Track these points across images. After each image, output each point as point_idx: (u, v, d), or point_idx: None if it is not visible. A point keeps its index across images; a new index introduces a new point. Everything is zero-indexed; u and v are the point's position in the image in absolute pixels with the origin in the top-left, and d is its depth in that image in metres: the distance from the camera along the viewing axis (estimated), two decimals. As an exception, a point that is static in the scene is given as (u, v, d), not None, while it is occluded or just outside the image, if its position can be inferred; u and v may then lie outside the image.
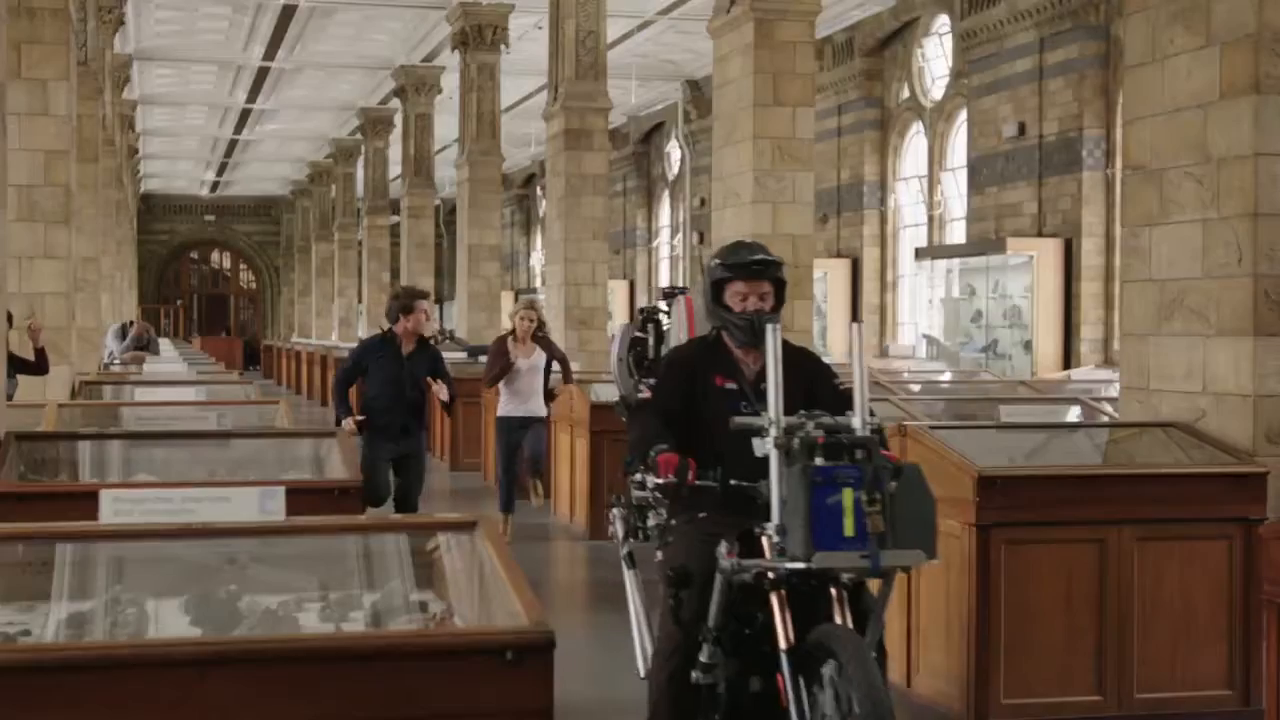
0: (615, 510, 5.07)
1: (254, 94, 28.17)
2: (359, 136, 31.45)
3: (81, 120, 14.09)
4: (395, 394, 8.19)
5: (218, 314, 50.17)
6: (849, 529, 3.65)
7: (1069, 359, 16.65)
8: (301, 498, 4.24)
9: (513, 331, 9.98)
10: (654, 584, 4.68)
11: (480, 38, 20.25)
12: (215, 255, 50.82)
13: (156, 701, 2.75)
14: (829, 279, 21.56)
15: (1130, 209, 6.52)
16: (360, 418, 8.17)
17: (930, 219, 20.87)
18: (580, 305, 16.09)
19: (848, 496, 3.66)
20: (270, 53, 24.18)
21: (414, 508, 8.27)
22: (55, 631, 3.26)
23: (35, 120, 10.53)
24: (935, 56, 20.78)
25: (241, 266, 50.71)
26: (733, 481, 4.11)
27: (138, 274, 38.89)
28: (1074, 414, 7.99)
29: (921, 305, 20.19)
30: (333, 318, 36.43)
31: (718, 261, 4.51)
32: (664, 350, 5.28)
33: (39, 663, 2.79)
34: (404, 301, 8.36)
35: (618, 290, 27.92)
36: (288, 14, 21.51)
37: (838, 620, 3.86)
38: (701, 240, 25.79)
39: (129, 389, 9.45)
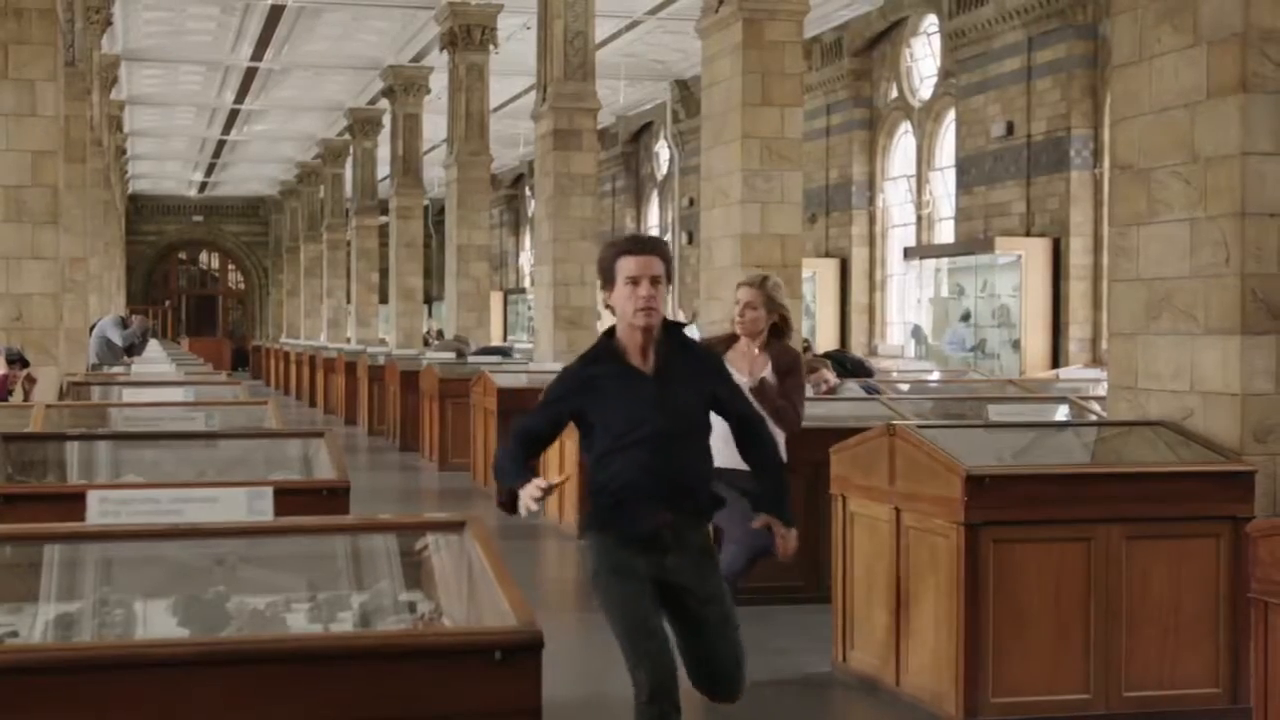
0: None
1: (242, 94, 28.11)
2: (347, 137, 31.37)
3: (69, 121, 14.05)
4: (641, 452, 4.12)
5: (206, 315, 50.04)
6: None
7: (1057, 358, 16.68)
8: (289, 498, 4.23)
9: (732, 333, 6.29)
10: None
11: (469, 38, 20.25)
12: (204, 256, 50.69)
13: (144, 702, 2.75)
14: (817, 279, 21.60)
15: (1118, 208, 6.53)
16: (559, 479, 4.25)
17: (919, 218, 20.90)
18: (569, 305, 16.11)
19: None
20: (258, 53, 24.13)
21: (733, 694, 4.27)
22: (43, 633, 3.25)
23: (23, 121, 10.50)
24: (923, 56, 20.80)
25: (230, 267, 50.59)
26: None
27: (126, 275, 38.79)
28: (1062, 413, 8.00)
29: (910, 304, 20.23)
30: (321, 318, 36.38)
31: None
32: None
33: (26, 664, 2.78)
34: (603, 265, 4.23)
35: (607, 290, 27.91)
36: (275, 14, 21.48)
37: None
38: (690, 240, 25.77)
39: (117, 390, 9.43)
